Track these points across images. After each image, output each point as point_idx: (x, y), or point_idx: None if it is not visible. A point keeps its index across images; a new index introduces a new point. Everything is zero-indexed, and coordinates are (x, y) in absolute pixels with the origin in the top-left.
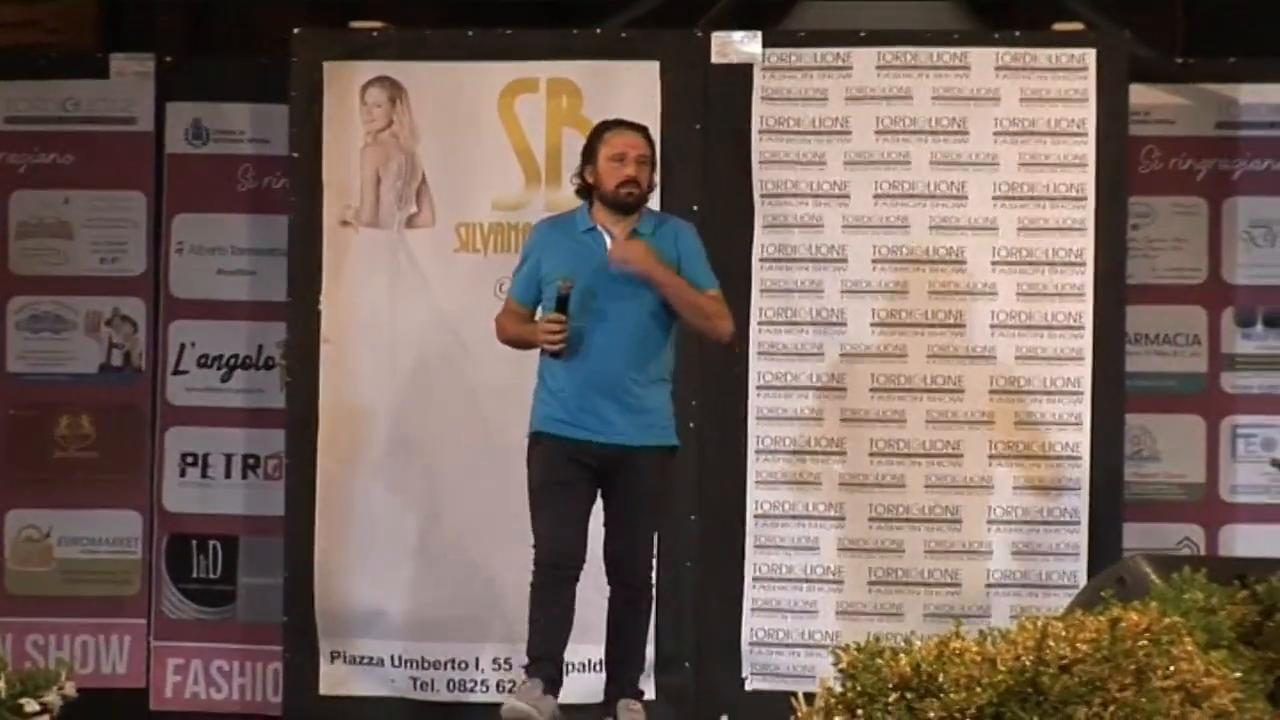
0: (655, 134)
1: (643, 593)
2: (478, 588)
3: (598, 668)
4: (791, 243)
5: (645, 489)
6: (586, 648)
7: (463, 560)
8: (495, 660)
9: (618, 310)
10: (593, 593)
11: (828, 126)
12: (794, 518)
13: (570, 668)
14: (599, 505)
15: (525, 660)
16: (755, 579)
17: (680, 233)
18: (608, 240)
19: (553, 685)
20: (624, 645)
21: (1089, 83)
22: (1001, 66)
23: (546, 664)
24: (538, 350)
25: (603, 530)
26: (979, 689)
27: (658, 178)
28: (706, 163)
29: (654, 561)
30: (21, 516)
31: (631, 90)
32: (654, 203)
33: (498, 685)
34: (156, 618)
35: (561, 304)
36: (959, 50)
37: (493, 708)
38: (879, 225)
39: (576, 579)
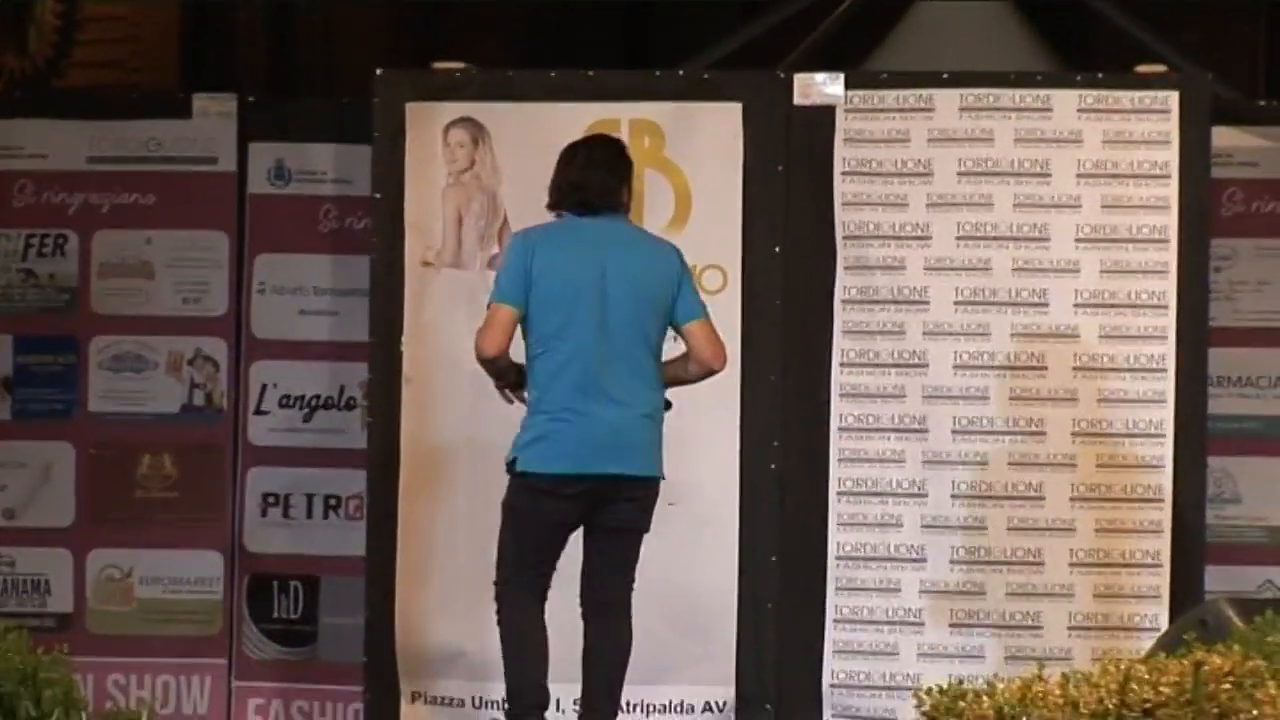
0: (738, 175)
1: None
2: (560, 628)
3: (680, 709)
4: (873, 284)
5: None
6: (666, 689)
7: (553, 601)
8: (576, 701)
9: None
10: (664, 626)
11: (910, 168)
12: (875, 559)
13: (650, 709)
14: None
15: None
16: (836, 621)
17: None
18: None
19: None
20: None
21: (1172, 125)
22: (1084, 109)
23: None
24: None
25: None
26: None
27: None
28: (789, 204)
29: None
30: (103, 556)
31: (713, 131)
32: (736, 243)
33: None
34: (238, 657)
35: None
36: (1042, 92)
37: None
38: (961, 267)
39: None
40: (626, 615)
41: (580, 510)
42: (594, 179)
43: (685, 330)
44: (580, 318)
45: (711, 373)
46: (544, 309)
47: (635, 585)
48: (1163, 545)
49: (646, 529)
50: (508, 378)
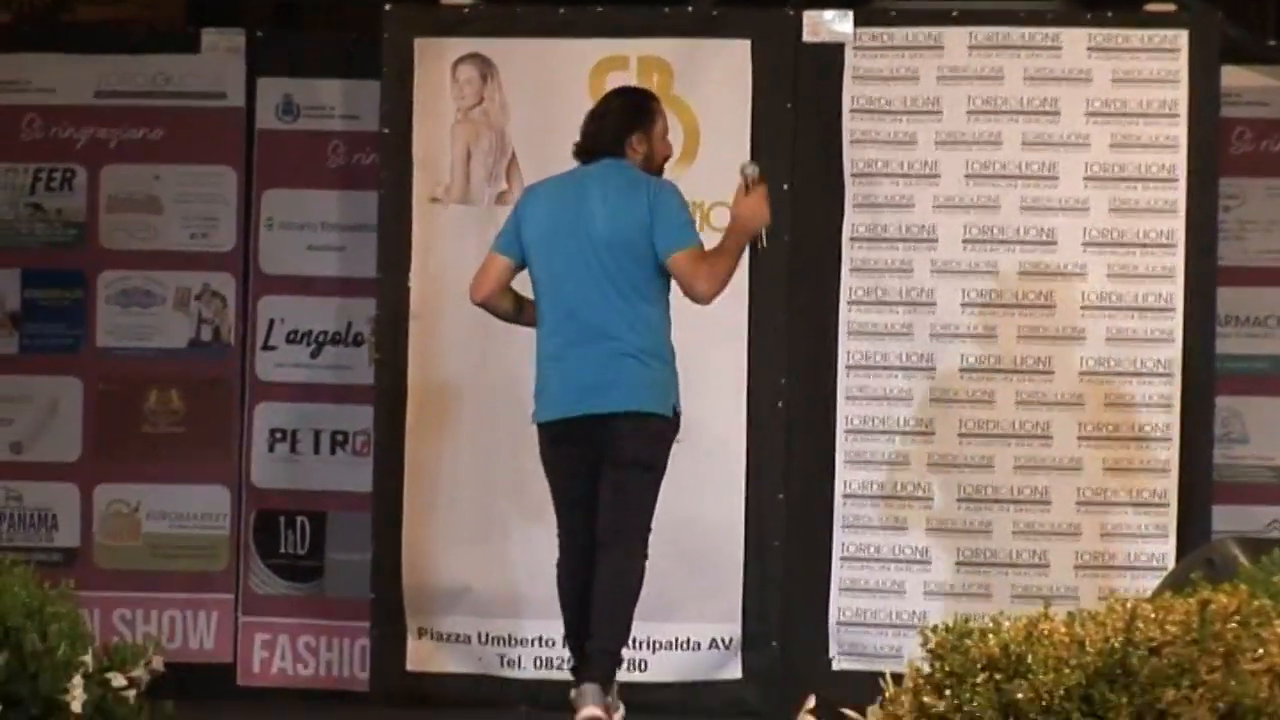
0: (746, 112)
1: None
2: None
3: (686, 645)
4: (882, 222)
5: None
6: (672, 626)
7: (550, 537)
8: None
9: None
10: (671, 564)
11: (919, 106)
12: (882, 498)
13: (656, 645)
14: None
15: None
16: (843, 559)
17: None
18: None
19: None
20: None
21: (1181, 64)
22: (1093, 47)
23: None
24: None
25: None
26: (1068, 670)
27: None
28: (797, 141)
29: None
30: (110, 491)
31: (722, 68)
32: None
33: None
34: (244, 593)
35: None
36: (1051, 30)
37: None
38: (970, 205)
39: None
40: (629, 552)
41: (588, 452)
42: (597, 127)
43: (666, 264)
44: (560, 265)
45: (705, 303)
46: (532, 258)
47: (650, 525)
48: (1170, 484)
49: (650, 464)
50: (520, 321)
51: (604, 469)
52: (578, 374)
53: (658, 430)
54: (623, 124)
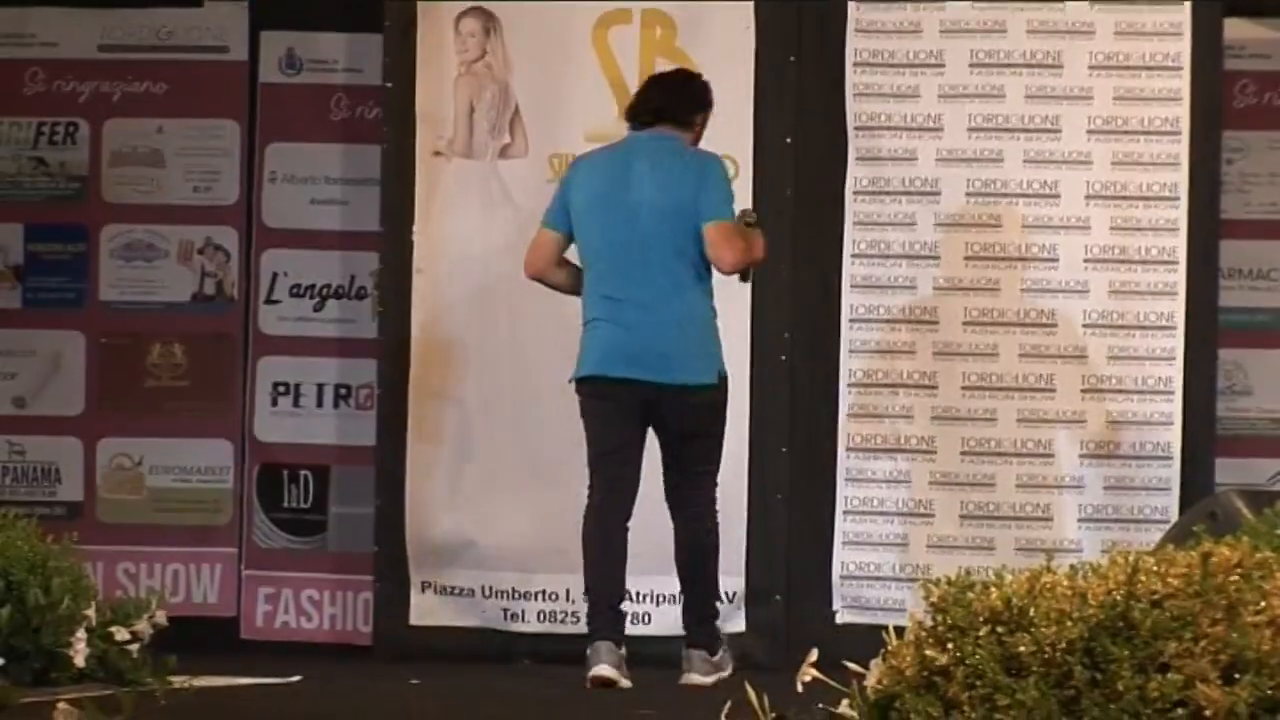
0: (749, 66)
1: None
2: (568, 519)
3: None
4: (885, 175)
5: None
6: (677, 579)
7: (553, 491)
8: (585, 590)
9: None
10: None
11: (921, 59)
12: (885, 451)
13: (660, 599)
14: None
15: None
16: (846, 512)
17: None
18: None
19: None
20: None
21: (1184, 16)
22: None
23: None
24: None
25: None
26: (1070, 623)
27: None
28: (800, 95)
29: None
30: (113, 445)
31: (725, 22)
32: (748, 134)
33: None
34: (247, 547)
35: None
36: None
37: (582, 639)
38: (972, 159)
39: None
40: (697, 516)
41: (626, 409)
42: (675, 91)
43: (703, 230)
44: (607, 232)
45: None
46: (580, 226)
47: (715, 483)
48: (1173, 437)
49: (706, 433)
50: (576, 291)
51: (658, 435)
52: (620, 337)
53: (702, 401)
54: (699, 99)
